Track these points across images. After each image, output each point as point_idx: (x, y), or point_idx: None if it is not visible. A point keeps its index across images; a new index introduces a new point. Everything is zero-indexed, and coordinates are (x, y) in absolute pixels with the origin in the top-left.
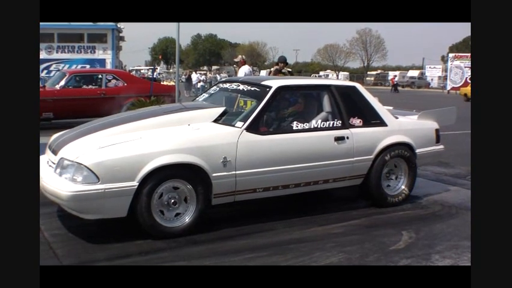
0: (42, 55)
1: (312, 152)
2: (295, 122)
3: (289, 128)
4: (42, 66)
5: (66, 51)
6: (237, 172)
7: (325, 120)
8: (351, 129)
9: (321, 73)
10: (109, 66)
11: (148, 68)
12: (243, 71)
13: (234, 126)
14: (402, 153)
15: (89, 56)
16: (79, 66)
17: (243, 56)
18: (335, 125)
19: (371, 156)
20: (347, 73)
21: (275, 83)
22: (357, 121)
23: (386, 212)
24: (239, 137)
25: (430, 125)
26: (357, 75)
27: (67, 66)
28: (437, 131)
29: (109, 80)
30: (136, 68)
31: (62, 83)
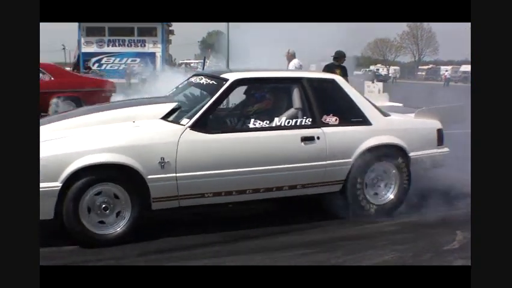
0: (93, 48)
1: (272, 153)
2: (253, 120)
3: (245, 126)
4: (93, 60)
5: (117, 44)
6: (178, 175)
7: (292, 117)
8: (323, 128)
9: (372, 67)
10: (159, 60)
11: (197, 61)
12: (293, 65)
13: (179, 123)
14: (389, 157)
15: (139, 49)
16: (129, 60)
17: (292, 49)
18: (303, 124)
19: (350, 160)
20: (398, 67)
21: (234, 76)
22: (332, 119)
23: (439, 210)
24: (180, 136)
25: (430, 124)
26: (408, 69)
27: (118, 59)
28: (439, 131)
29: None
30: (185, 61)
31: None
